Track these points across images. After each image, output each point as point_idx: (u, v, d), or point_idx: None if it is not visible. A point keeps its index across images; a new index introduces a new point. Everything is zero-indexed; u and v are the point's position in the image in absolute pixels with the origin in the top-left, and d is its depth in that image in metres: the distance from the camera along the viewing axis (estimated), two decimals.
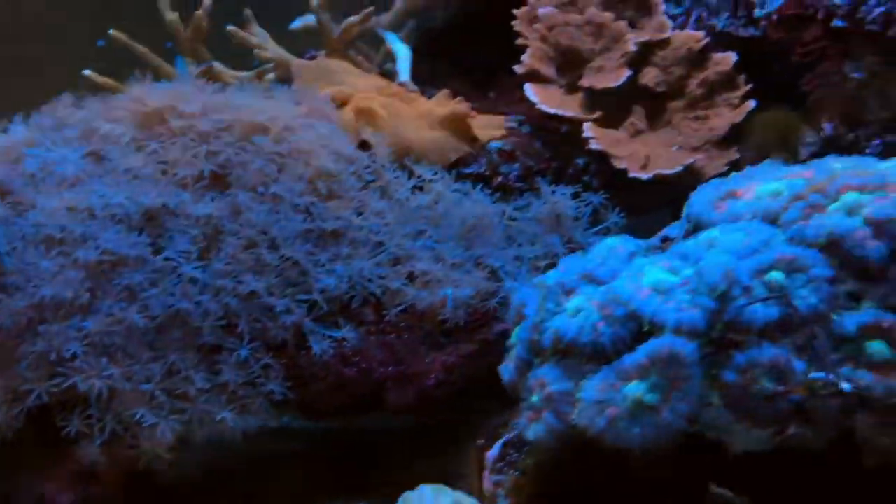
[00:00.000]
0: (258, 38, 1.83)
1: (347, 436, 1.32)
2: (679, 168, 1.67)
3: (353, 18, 1.81)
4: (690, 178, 1.72)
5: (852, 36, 1.58)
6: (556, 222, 1.55)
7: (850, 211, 0.97)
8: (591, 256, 1.07)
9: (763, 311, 0.94)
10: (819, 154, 1.64)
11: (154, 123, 1.38)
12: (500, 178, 1.72)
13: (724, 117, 1.76)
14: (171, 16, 1.75)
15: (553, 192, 1.58)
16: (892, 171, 0.99)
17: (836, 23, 1.59)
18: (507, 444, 1.15)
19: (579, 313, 1.00)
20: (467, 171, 1.71)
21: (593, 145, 1.71)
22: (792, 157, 1.28)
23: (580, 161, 1.79)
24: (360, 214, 1.42)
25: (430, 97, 2.09)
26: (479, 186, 1.59)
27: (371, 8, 1.81)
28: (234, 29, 1.81)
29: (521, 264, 1.42)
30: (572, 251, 1.53)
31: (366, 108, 1.61)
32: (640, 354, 0.95)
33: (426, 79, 2.25)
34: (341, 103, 1.70)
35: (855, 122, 1.57)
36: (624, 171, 1.70)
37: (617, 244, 1.08)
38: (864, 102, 1.56)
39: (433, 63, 2.27)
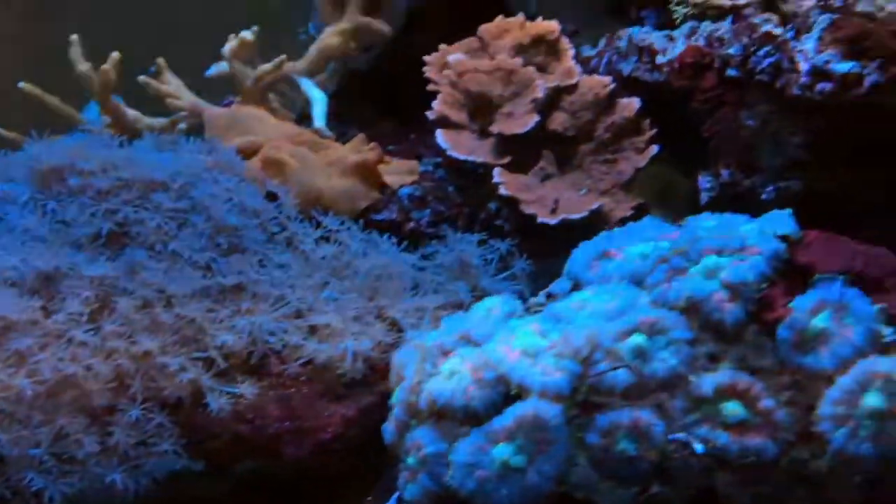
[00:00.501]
0: (171, 86, 1.85)
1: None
2: (585, 213, 1.72)
3: (265, 66, 1.83)
4: (598, 222, 1.77)
5: (746, 84, 1.64)
6: (462, 270, 1.59)
7: (709, 274, 1.02)
8: (470, 316, 1.10)
9: (624, 374, 0.97)
10: (718, 199, 1.70)
11: (52, 182, 1.39)
12: (411, 225, 1.75)
13: (630, 161, 1.82)
14: (83, 67, 1.76)
15: (459, 239, 1.61)
16: (751, 233, 1.04)
17: (730, 72, 1.65)
18: (400, 501, 1.18)
19: (453, 376, 1.03)
20: (378, 218, 1.74)
21: (502, 191, 1.75)
22: (672, 213, 1.33)
23: (492, 206, 1.83)
24: (262, 268, 1.44)
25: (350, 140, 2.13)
26: (387, 235, 1.61)
27: (283, 56, 1.84)
28: (144, 79, 1.82)
29: (423, 314, 1.45)
30: (478, 299, 1.57)
31: (273, 158, 1.63)
32: (508, 418, 0.98)
33: (351, 120, 2.28)
34: (252, 153, 1.73)
35: (750, 168, 1.63)
36: (533, 216, 1.74)
37: (495, 304, 1.12)
38: (759, 150, 1.62)
39: (358, 104, 2.31)
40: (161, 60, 1.88)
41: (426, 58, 1.93)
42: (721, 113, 1.71)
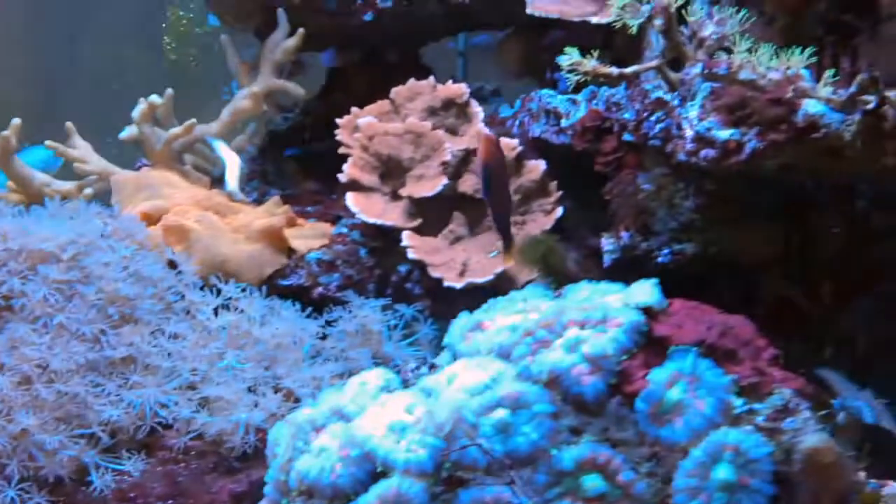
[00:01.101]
0: (79, 150, 1.86)
1: None
2: (491, 276, 1.74)
3: (175, 130, 1.85)
4: (506, 284, 1.80)
5: (643, 148, 1.69)
6: (365, 336, 1.60)
7: (571, 347, 1.04)
8: (344, 391, 1.11)
9: (486, 449, 0.99)
10: (620, 262, 1.74)
11: None
12: (319, 290, 1.77)
13: (538, 223, 1.86)
14: None
15: (363, 304, 1.63)
16: (614, 305, 1.07)
17: (626, 137, 1.70)
18: None
19: (322, 454, 1.04)
20: (285, 283, 1.75)
21: (410, 255, 1.78)
22: (555, 281, 1.36)
23: (402, 269, 1.85)
24: (156, 339, 1.43)
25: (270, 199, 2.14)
26: (291, 301, 1.62)
27: (193, 120, 1.86)
28: (52, 143, 1.83)
29: (320, 384, 1.45)
30: (379, 366, 1.58)
31: (175, 225, 1.64)
32: (372, 496, 0.99)
33: (273, 180, 2.30)
34: (157, 218, 1.74)
35: (648, 231, 1.67)
36: (440, 280, 1.76)
37: (370, 378, 1.13)
38: (655, 213, 1.66)
39: (280, 163, 2.34)
40: (69, 124, 1.89)
41: (338, 120, 1.97)
42: (621, 175, 1.76)
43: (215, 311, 1.54)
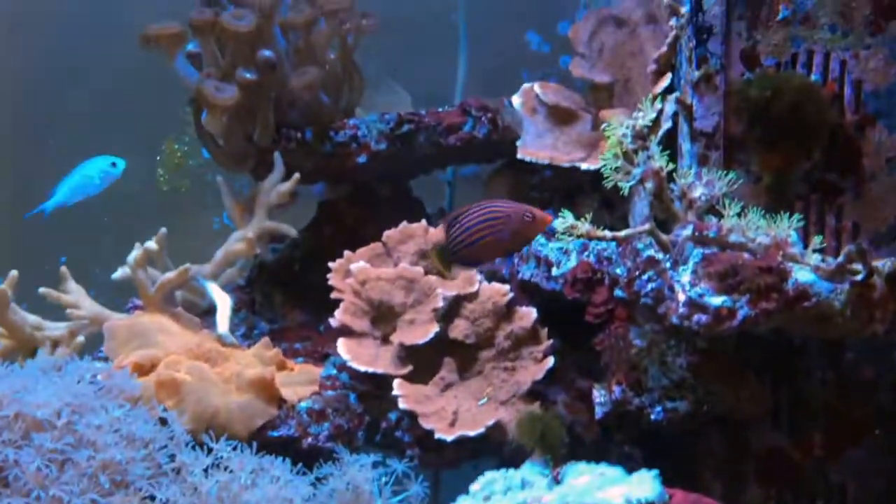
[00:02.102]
0: (72, 295, 1.86)
1: None
2: (482, 429, 1.74)
3: (168, 275, 1.86)
4: (497, 434, 1.80)
5: (634, 304, 1.72)
6: (355, 496, 1.58)
7: None
8: None
9: None
10: (611, 415, 1.75)
11: None
12: (309, 440, 1.76)
13: (529, 371, 1.87)
14: None
15: (353, 461, 1.62)
16: (615, 502, 1.07)
17: (618, 292, 1.73)
18: None
19: None
20: (275, 434, 1.74)
21: (401, 405, 1.78)
22: (552, 458, 1.37)
23: (393, 416, 1.85)
24: None
25: (261, 333, 2.15)
26: (281, 458, 1.60)
27: (187, 265, 1.87)
28: (46, 290, 1.84)
29: None
30: None
31: (167, 379, 1.64)
32: None
33: (262, 311, 2.31)
34: (150, 367, 1.73)
35: (640, 387, 1.69)
36: (431, 432, 1.76)
37: None
38: (647, 370, 1.68)
39: (269, 295, 2.35)
40: (64, 269, 1.90)
41: (331, 264, 1.99)
42: (611, 328, 1.78)
43: (205, 471, 1.52)
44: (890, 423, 1.79)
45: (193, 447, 1.56)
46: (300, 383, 1.83)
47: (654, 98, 1.72)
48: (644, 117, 1.67)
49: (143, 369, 1.71)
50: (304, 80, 1.94)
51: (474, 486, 1.28)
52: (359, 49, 2.18)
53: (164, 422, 1.57)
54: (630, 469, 1.93)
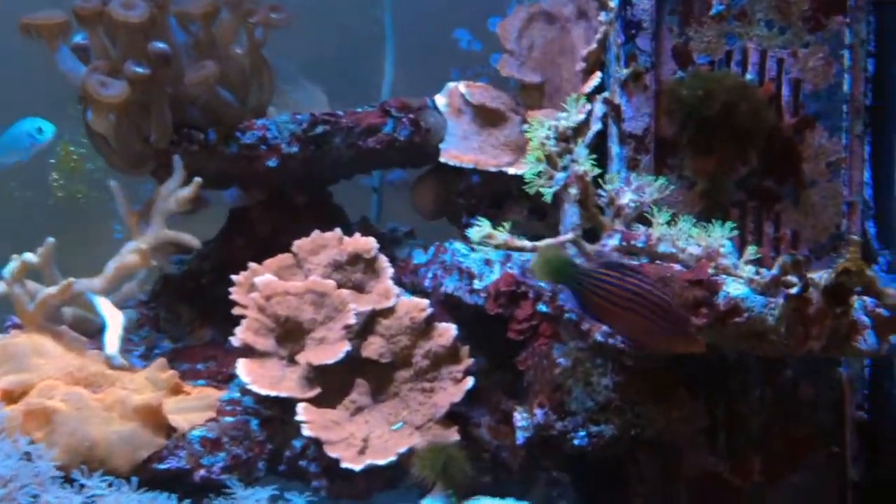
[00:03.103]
0: None
1: None
2: (394, 457, 1.62)
3: (50, 290, 1.71)
4: (411, 462, 1.68)
5: (559, 320, 1.62)
6: None
7: None
8: None
9: None
10: (533, 440, 1.64)
11: None
12: (201, 473, 1.62)
13: (447, 393, 1.75)
14: None
15: (248, 496, 1.49)
16: None
17: (541, 307, 1.62)
18: None
19: None
20: (162, 467, 1.60)
21: (305, 431, 1.65)
22: (455, 493, 1.26)
23: (297, 444, 1.72)
24: None
25: (161, 353, 2.00)
26: (164, 495, 1.47)
27: (70, 280, 1.72)
28: None
29: None
30: None
31: (37, 408, 1.49)
32: None
33: (166, 329, 2.16)
34: (20, 394, 1.58)
35: (563, 410, 1.58)
36: (337, 461, 1.63)
37: None
38: (571, 391, 1.58)
39: (175, 310, 2.20)
40: None
41: (233, 277, 1.85)
42: (535, 345, 1.68)
43: None
44: (831, 444, 1.71)
45: (63, 484, 1.41)
46: (195, 409, 1.69)
47: (580, 98, 1.62)
48: (568, 118, 1.57)
49: (11, 397, 1.55)
50: (200, 76, 1.80)
51: None
52: (270, 45, 2.05)
53: (29, 456, 1.43)
54: (556, 497, 1.84)
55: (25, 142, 1.90)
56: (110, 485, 1.42)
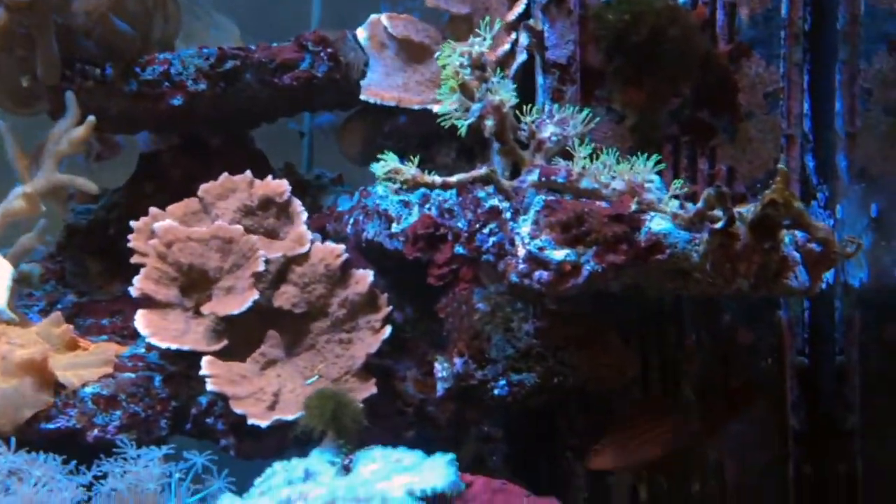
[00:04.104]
0: None
1: None
2: (302, 413, 1.56)
3: None
4: None
5: (478, 262, 1.57)
6: (136, 499, 1.39)
7: None
8: None
9: None
10: (453, 391, 1.59)
11: None
12: (95, 432, 1.56)
13: (365, 343, 1.70)
14: None
15: (141, 454, 1.43)
16: (393, 494, 0.91)
17: (458, 249, 1.57)
18: None
19: None
20: (50, 427, 1.53)
21: (210, 386, 1.59)
22: (345, 441, 1.21)
23: (203, 400, 1.66)
24: None
25: (64, 308, 1.93)
26: (50, 455, 1.40)
27: None
28: None
29: None
30: None
31: None
32: None
33: (73, 283, 2.08)
34: None
35: (483, 358, 1.53)
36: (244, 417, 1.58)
37: None
38: (490, 337, 1.53)
39: (82, 263, 2.12)
40: None
41: (133, 223, 1.78)
42: (455, 291, 1.63)
43: None
44: (770, 392, 1.69)
45: None
46: (90, 365, 1.62)
47: (497, 22, 1.55)
48: (482, 43, 1.50)
49: None
50: (90, 4, 1.70)
51: (257, 480, 1.11)
52: None
53: None
54: (487, 452, 1.80)
55: None
56: None
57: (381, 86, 1.98)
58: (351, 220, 1.88)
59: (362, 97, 1.95)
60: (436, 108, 1.91)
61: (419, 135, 2.06)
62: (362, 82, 1.98)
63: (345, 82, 2.04)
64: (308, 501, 0.93)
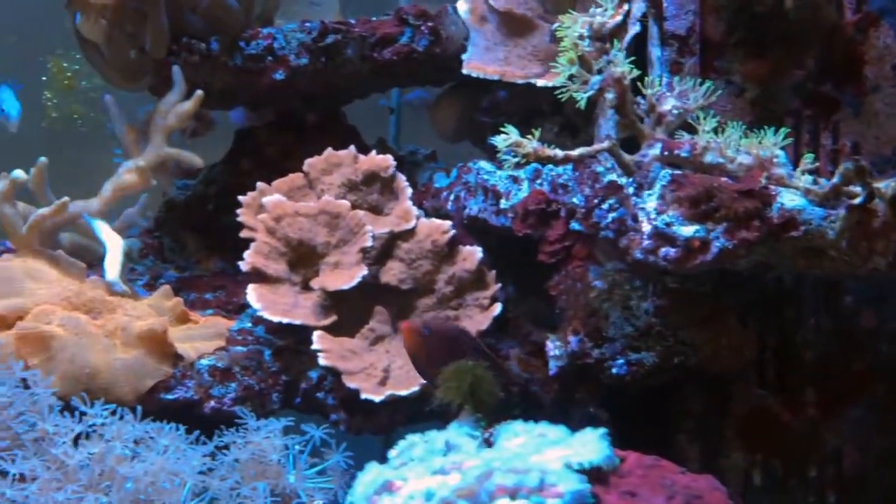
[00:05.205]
0: None
1: None
2: (416, 388, 1.60)
3: (43, 211, 1.69)
4: (432, 394, 1.66)
5: (594, 239, 1.58)
6: (259, 469, 1.44)
7: None
8: None
9: None
10: (567, 370, 1.61)
11: None
12: (211, 404, 1.61)
13: (473, 321, 1.73)
14: None
15: (261, 426, 1.47)
16: (552, 467, 0.94)
17: (574, 225, 1.58)
18: None
19: None
20: (169, 398, 1.59)
21: (322, 361, 1.63)
22: (484, 416, 1.23)
23: (314, 375, 1.70)
24: None
25: (167, 282, 1.98)
26: (171, 425, 1.45)
27: (65, 199, 1.70)
28: None
29: None
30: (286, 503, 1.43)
31: (32, 333, 1.48)
32: None
33: (171, 259, 2.15)
34: (14, 320, 1.57)
35: (600, 337, 1.55)
36: (357, 392, 1.62)
37: None
38: (608, 315, 1.54)
39: (179, 239, 2.19)
40: None
41: (241, 198, 1.83)
42: (568, 268, 1.64)
43: (76, 442, 1.37)
44: (893, 377, 1.67)
45: (62, 413, 1.41)
46: (203, 338, 1.67)
47: None
48: (604, 13, 1.51)
49: (5, 322, 1.54)
50: None
51: (392, 452, 1.14)
52: None
53: (26, 384, 1.42)
54: None
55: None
56: (113, 412, 1.41)
57: (482, 60, 1.99)
58: (452, 197, 1.90)
59: (464, 71, 1.97)
60: (540, 82, 1.95)
61: (519, 110, 2.07)
62: (464, 56, 2.00)
63: (444, 57, 2.06)
64: (464, 471, 0.95)
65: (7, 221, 1.68)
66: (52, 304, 1.59)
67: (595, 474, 0.96)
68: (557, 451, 0.97)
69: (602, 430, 1.02)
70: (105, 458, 1.36)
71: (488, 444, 1.13)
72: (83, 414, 1.41)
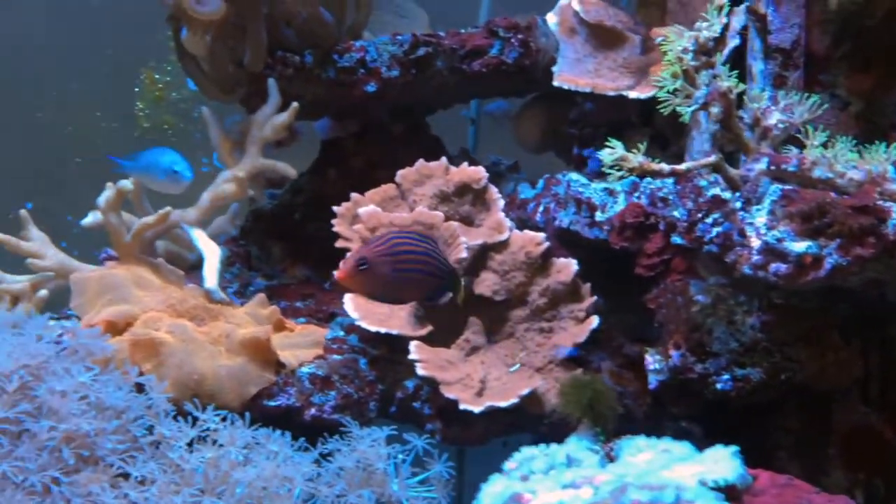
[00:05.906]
0: (34, 243, 1.75)
1: None
2: (515, 399, 1.62)
3: (146, 219, 1.74)
4: (532, 406, 1.68)
5: (695, 253, 1.59)
6: (366, 475, 1.47)
7: None
8: None
9: None
10: (668, 384, 1.62)
11: None
12: (312, 412, 1.65)
13: (568, 333, 1.74)
14: None
15: (364, 435, 1.51)
16: (686, 483, 0.95)
17: (675, 239, 1.60)
18: None
19: None
20: (272, 404, 1.63)
21: (420, 371, 1.66)
22: (604, 430, 1.25)
23: (410, 385, 1.73)
24: (118, 486, 1.31)
25: (256, 291, 2.03)
26: (279, 432, 1.49)
27: (168, 208, 1.75)
28: (4, 237, 1.73)
29: None
30: None
31: (144, 339, 1.53)
32: None
33: (259, 267, 2.20)
34: (124, 326, 1.62)
35: (703, 351, 1.55)
36: (455, 400, 1.64)
37: None
38: (712, 330, 1.55)
39: (266, 247, 2.23)
40: (24, 212, 1.78)
41: (335, 208, 1.86)
42: (667, 282, 1.65)
43: (190, 446, 1.42)
44: None
45: (175, 418, 1.45)
46: (302, 346, 1.71)
47: (724, 6, 1.56)
48: (710, 27, 1.52)
49: (116, 328, 1.59)
50: None
51: (510, 465, 1.16)
52: None
53: (140, 388, 1.47)
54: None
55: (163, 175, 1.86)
56: (224, 419, 1.45)
57: (573, 72, 2.02)
58: (541, 208, 1.92)
59: (555, 83, 1.99)
60: (632, 94, 1.96)
61: (607, 122, 2.09)
62: (554, 68, 2.02)
63: (532, 68, 2.08)
64: (596, 486, 0.97)
65: (113, 230, 1.74)
66: (159, 310, 1.64)
67: (729, 492, 0.98)
68: (689, 468, 0.98)
69: (734, 448, 1.04)
70: (219, 463, 1.40)
71: (610, 458, 1.14)
72: (195, 419, 1.45)
